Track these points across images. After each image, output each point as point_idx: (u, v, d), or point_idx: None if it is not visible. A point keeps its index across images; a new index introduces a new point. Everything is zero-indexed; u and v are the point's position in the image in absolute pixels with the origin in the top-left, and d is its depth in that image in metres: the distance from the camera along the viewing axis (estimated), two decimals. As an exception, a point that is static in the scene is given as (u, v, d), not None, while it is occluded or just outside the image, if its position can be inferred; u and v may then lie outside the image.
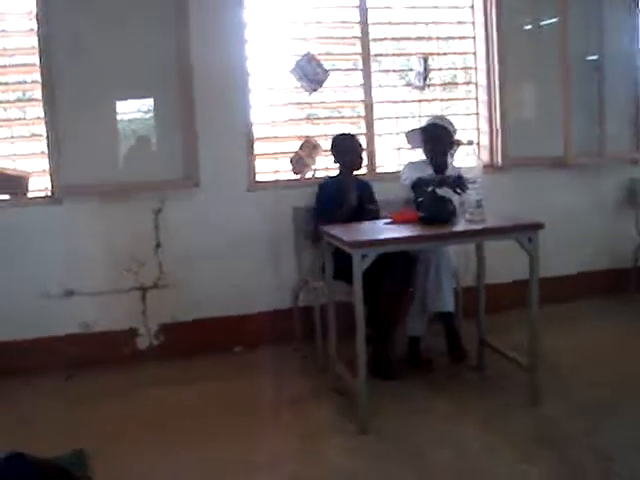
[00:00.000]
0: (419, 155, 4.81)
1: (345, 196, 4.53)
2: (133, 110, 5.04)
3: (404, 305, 4.48)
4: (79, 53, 4.56)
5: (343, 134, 4.86)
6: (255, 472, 3.25)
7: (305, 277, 4.88)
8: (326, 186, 4.78)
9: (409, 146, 4.85)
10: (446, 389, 4.15)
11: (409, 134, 4.77)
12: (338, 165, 4.79)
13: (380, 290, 4.25)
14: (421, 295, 4.44)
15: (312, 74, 5.04)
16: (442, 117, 4.77)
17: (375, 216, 4.48)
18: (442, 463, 3.25)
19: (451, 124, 4.62)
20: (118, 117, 4.90)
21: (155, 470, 3.29)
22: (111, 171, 4.78)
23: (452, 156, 4.67)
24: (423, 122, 4.78)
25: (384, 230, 3.95)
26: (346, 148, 4.74)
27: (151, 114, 5.03)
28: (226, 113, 4.89)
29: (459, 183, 4.06)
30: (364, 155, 4.89)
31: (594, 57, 5.77)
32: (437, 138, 4.57)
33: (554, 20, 5.58)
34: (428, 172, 4.47)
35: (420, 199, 4.10)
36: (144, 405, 4.09)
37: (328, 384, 4.20)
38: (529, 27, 5.86)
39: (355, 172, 4.78)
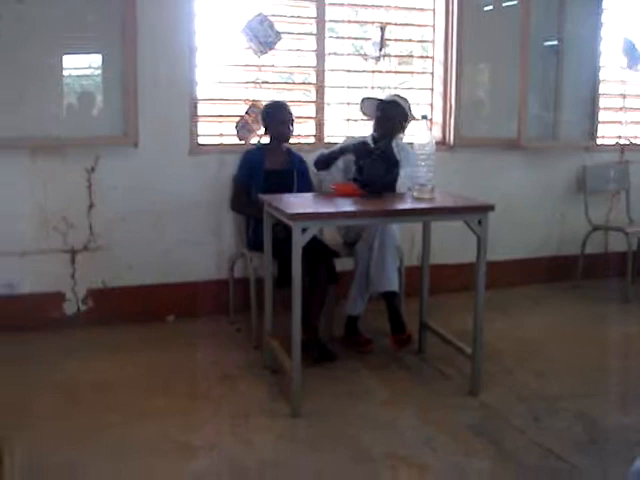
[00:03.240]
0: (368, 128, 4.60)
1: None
2: (77, 66, 4.78)
3: (324, 294, 4.21)
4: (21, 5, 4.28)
5: (273, 102, 4.65)
6: (186, 457, 3.02)
7: (241, 248, 4.70)
8: (250, 155, 4.58)
9: (360, 113, 4.62)
10: (384, 373, 4.00)
11: (365, 101, 4.52)
12: (268, 135, 4.59)
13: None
14: (363, 273, 4.26)
15: (263, 36, 4.79)
16: (402, 97, 4.48)
17: None
18: (376, 452, 3.09)
19: (409, 106, 4.41)
20: (64, 72, 4.64)
21: (74, 456, 2.99)
22: (45, 125, 4.46)
23: (403, 132, 4.48)
24: (381, 93, 4.56)
25: (326, 203, 3.77)
26: (274, 118, 4.52)
27: (99, 71, 4.75)
28: (170, 71, 4.62)
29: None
30: (294, 126, 4.60)
31: (554, 42, 5.66)
32: (391, 117, 4.36)
33: (515, 2, 5.46)
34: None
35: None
36: (64, 376, 3.83)
37: (261, 361, 4.02)
38: (490, 7, 5.71)
39: (284, 143, 4.58)
